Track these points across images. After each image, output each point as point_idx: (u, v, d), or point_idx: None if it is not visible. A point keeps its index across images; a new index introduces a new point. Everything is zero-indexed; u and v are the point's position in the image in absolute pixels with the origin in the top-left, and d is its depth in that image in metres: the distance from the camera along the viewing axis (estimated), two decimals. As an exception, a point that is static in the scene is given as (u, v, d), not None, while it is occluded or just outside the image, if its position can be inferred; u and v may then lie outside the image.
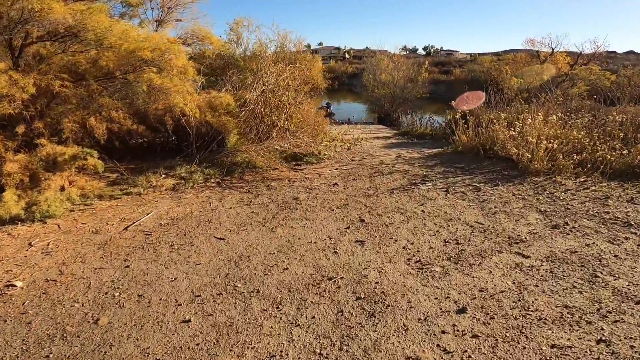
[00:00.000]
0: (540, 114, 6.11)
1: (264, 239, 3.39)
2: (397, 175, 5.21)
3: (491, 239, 3.28)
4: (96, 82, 5.10)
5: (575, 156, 4.99)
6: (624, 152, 4.99)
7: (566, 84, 16.28)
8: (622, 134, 5.53)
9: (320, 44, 70.20)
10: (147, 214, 3.99)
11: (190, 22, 6.28)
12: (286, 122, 6.02)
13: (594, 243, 3.21)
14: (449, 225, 3.54)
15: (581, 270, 2.84)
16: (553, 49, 18.98)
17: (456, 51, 61.15)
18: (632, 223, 3.55)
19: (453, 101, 7.55)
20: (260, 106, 6.16)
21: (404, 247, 3.15)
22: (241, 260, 3.02)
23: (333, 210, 3.97)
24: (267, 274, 2.81)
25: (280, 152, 5.91)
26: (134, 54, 4.73)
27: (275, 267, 2.91)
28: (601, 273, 2.79)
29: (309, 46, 67.74)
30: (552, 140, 5.08)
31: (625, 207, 3.93)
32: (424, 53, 67.02)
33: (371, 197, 4.31)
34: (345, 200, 4.23)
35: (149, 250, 3.18)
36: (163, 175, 5.28)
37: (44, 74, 4.64)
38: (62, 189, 4.62)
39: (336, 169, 5.60)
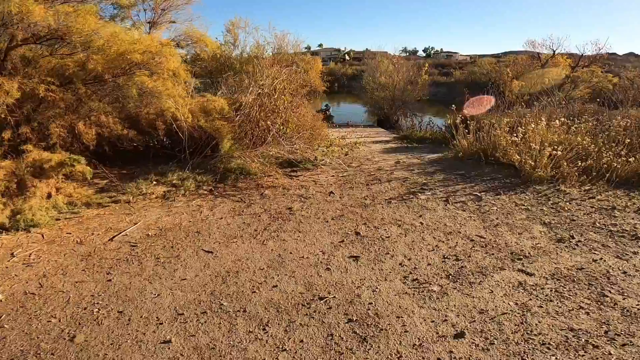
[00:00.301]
0: (543, 118, 5.95)
1: (254, 252, 3.23)
2: (395, 183, 5.05)
3: (493, 254, 3.11)
4: (85, 86, 4.95)
5: (579, 163, 4.82)
6: (631, 159, 4.82)
7: (567, 86, 16.11)
8: (628, 140, 5.35)
9: (320, 45, 70.04)
10: (135, 224, 3.83)
11: (184, 23, 6.14)
12: (282, 127, 5.86)
13: (601, 258, 3.05)
14: (448, 239, 3.37)
15: (588, 288, 2.67)
16: (554, 51, 18.82)
17: (456, 53, 60.96)
18: None
19: (453, 105, 7.38)
20: (256, 110, 6.01)
21: (400, 264, 2.98)
22: (229, 275, 2.86)
23: (328, 221, 3.80)
24: (255, 292, 2.65)
25: (276, 157, 5.75)
26: (124, 56, 4.57)
27: (264, 284, 2.75)
28: (609, 292, 2.63)
29: (309, 48, 67.62)
30: (556, 147, 4.91)
31: (633, 219, 3.77)
32: (424, 55, 66.89)
33: (368, 208, 4.14)
34: (340, 211, 4.06)
35: (133, 263, 3.03)
36: (154, 182, 5.12)
37: (29, 78, 4.50)
38: (49, 196, 4.47)
39: (333, 175, 5.44)
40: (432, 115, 17.24)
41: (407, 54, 64.75)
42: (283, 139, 5.84)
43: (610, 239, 3.38)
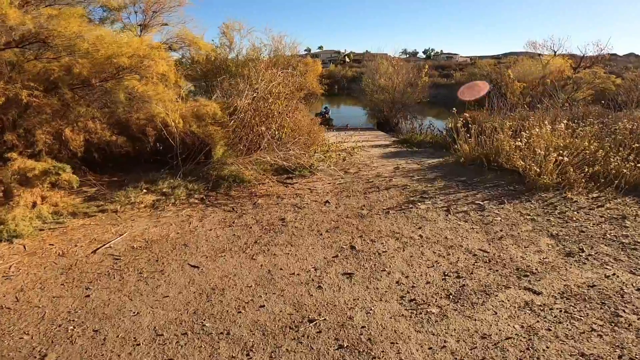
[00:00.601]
0: (547, 122, 5.75)
1: (242, 268, 3.04)
2: (394, 191, 4.84)
3: (497, 270, 2.90)
4: (72, 91, 4.78)
5: (586, 169, 4.61)
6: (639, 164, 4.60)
7: (570, 87, 15.87)
8: (636, 144, 5.14)
9: (320, 47, 70.07)
10: (120, 235, 3.67)
11: (177, 26, 5.97)
12: (277, 132, 5.67)
13: (614, 274, 2.83)
14: (449, 254, 3.16)
15: (601, 308, 2.47)
16: (555, 52, 18.57)
17: (456, 54, 60.78)
18: None
19: (454, 108, 7.19)
20: (250, 115, 5.83)
21: (397, 282, 2.78)
22: (214, 293, 2.68)
23: (322, 234, 3.60)
24: (240, 312, 2.47)
25: (272, 164, 5.56)
26: (111, 60, 4.40)
27: (250, 304, 2.56)
28: (624, 311, 2.43)
29: (309, 50, 67.75)
30: (561, 152, 4.70)
31: None
32: (424, 56, 66.68)
33: (364, 219, 3.94)
34: (336, 222, 3.86)
35: (114, 278, 2.87)
36: (144, 190, 4.94)
37: (14, 83, 4.33)
38: (34, 205, 4.31)
39: (329, 182, 5.24)
40: (433, 117, 17.06)
41: (407, 55, 64.58)
42: (278, 145, 5.65)
43: (622, 252, 3.16)
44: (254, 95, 6.01)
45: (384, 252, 3.21)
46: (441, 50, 67.22)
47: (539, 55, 19.09)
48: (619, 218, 3.82)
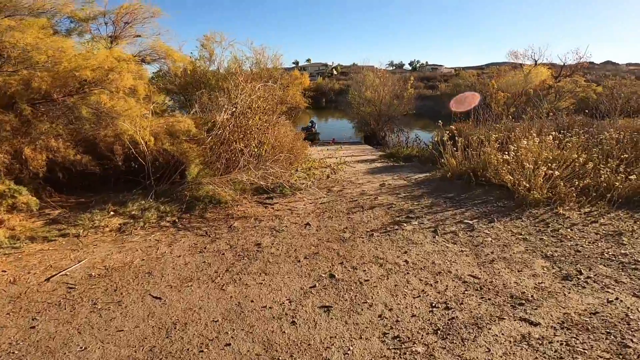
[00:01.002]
0: (534, 133, 5.61)
1: (209, 299, 2.73)
2: (379, 210, 4.56)
3: (489, 299, 2.63)
4: (33, 106, 4.46)
5: (577, 182, 4.43)
6: (632, 176, 4.45)
7: (552, 96, 16.05)
8: (625, 155, 5.02)
9: (308, 60, 70.77)
10: (79, 262, 3.36)
11: (151, 37, 5.71)
12: (256, 150, 5.40)
13: (617, 299, 2.59)
14: (437, 282, 2.88)
15: (606, 339, 2.22)
16: (536, 61, 18.84)
17: (441, 65, 61.80)
18: None
19: (440, 121, 7.04)
20: (229, 131, 5.55)
21: (379, 316, 2.49)
22: (175, 328, 2.38)
23: (299, 261, 3.30)
24: (202, 351, 2.17)
25: (252, 182, 5.26)
26: (73, 73, 4.11)
27: (215, 341, 2.25)
28: (632, 341, 2.19)
29: (297, 63, 68.29)
30: (550, 165, 4.52)
31: None
32: (410, 68, 67.69)
33: (346, 243, 3.65)
34: (315, 247, 3.57)
35: (65, 308, 2.62)
36: (111, 213, 4.59)
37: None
38: (-12, 230, 3.93)
39: (312, 202, 4.95)
40: (420, 129, 17.05)
41: (394, 67, 65.57)
42: (258, 163, 5.37)
43: (623, 273, 2.93)
44: (233, 110, 5.75)
45: (366, 280, 2.93)
46: (426, 62, 68.47)
47: (521, 65, 19.36)
48: (614, 234, 3.61)
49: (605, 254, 3.24)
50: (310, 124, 14.71)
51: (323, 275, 3.04)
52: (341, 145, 12.87)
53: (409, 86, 14.62)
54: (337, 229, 3.98)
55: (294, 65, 64.32)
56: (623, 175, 4.56)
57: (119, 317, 2.52)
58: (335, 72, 56.23)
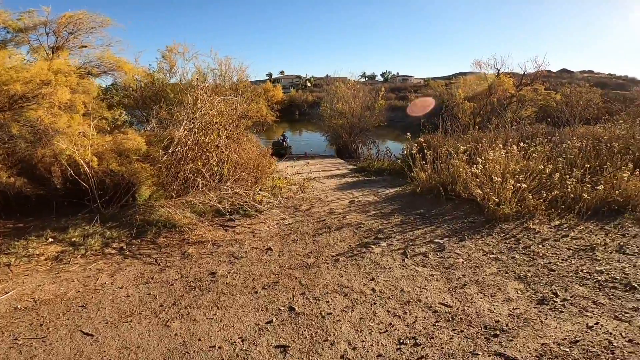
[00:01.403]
0: (500, 144, 5.57)
1: (150, 337, 2.39)
2: (346, 231, 4.29)
3: (462, 331, 2.39)
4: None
5: (545, 194, 4.35)
6: (599, 186, 4.43)
7: (514, 105, 16.54)
8: (588, 165, 5.03)
9: (281, 72, 70.92)
10: (6, 293, 3.03)
11: (99, 48, 5.28)
12: (217, 168, 5.04)
13: (597, 323, 2.40)
14: (405, 313, 2.62)
15: (589, 372, 2.03)
16: (498, 70, 19.38)
17: (411, 76, 63.33)
18: (635, 285, 2.81)
19: (408, 133, 6.95)
20: (186, 148, 5.17)
21: (342, 356, 2.19)
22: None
23: (257, 292, 2.97)
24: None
25: (212, 204, 4.88)
26: (2, 87, 3.66)
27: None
28: (617, 374, 2.00)
29: (270, 75, 68.19)
30: (518, 177, 4.43)
31: (619, 261, 3.22)
32: (382, 79, 69.01)
33: (310, 269, 3.34)
34: (276, 276, 3.25)
35: None
36: (49, 240, 4.11)
37: None
38: None
39: (277, 223, 4.63)
40: (392, 140, 17.13)
41: (366, 78, 66.62)
42: (220, 182, 5.01)
43: (600, 293, 2.77)
44: (191, 126, 5.39)
45: (328, 314, 2.63)
46: (397, 73, 70.03)
47: (484, 74, 19.86)
48: (587, 249, 3.49)
49: (580, 272, 3.08)
50: (281, 138, 14.44)
51: (282, 308, 2.73)
52: (318, 157, 12.65)
53: (379, 97, 14.65)
54: (301, 254, 3.68)
55: (267, 77, 64.18)
56: (589, 185, 4.54)
57: (41, 354, 2.27)
58: (308, 84, 56.42)
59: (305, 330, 2.45)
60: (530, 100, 17.43)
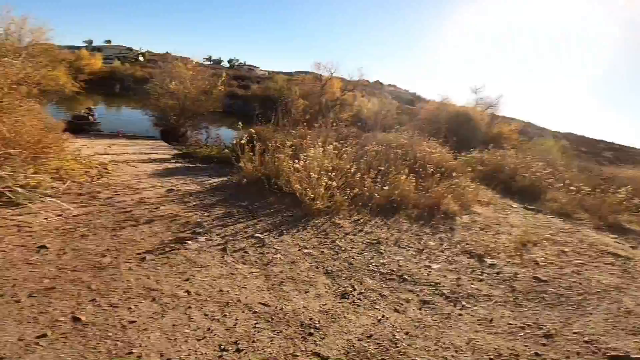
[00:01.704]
0: (320, 141, 6.06)
1: None
2: (159, 224, 3.79)
3: (281, 332, 2.37)
4: None
5: (349, 191, 4.98)
6: (386, 187, 5.36)
7: (338, 108, 18.82)
8: (382, 168, 6.05)
9: (108, 41, 59.52)
10: None
11: None
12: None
13: (383, 316, 2.71)
14: (225, 315, 2.45)
15: (384, 367, 2.21)
16: (332, 73, 21.57)
17: (257, 67, 63.26)
18: (406, 277, 3.37)
19: (240, 123, 6.78)
20: None
21: (144, 377, 1.87)
22: None
23: (20, 301, 2.24)
24: None
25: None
26: None
27: None
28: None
29: (90, 42, 56.10)
30: (331, 175, 4.92)
31: (396, 254, 3.86)
32: (228, 65, 66.36)
33: (105, 271, 2.76)
34: (51, 280, 2.53)
35: None
36: None
37: None
38: None
39: (60, 214, 3.68)
40: (228, 127, 16.60)
41: (212, 62, 62.75)
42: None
43: (384, 285, 3.18)
44: None
45: (131, 322, 2.21)
46: (244, 62, 68.64)
47: (321, 75, 21.72)
48: (375, 243, 4.07)
49: (370, 265, 3.53)
50: (87, 112, 11.95)
51: (62, 318, 2.14)
52: (137, 137, 11.02)
53: (219, 83, 13.90)
54: (92, 252, 3.01)
55: (85, 44, 52.36)
56: (380, 185, 5.44)
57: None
58: (142, 59, 49.03)
59: (99, 344, 1.98)
60: (350, 104, 20.10)
